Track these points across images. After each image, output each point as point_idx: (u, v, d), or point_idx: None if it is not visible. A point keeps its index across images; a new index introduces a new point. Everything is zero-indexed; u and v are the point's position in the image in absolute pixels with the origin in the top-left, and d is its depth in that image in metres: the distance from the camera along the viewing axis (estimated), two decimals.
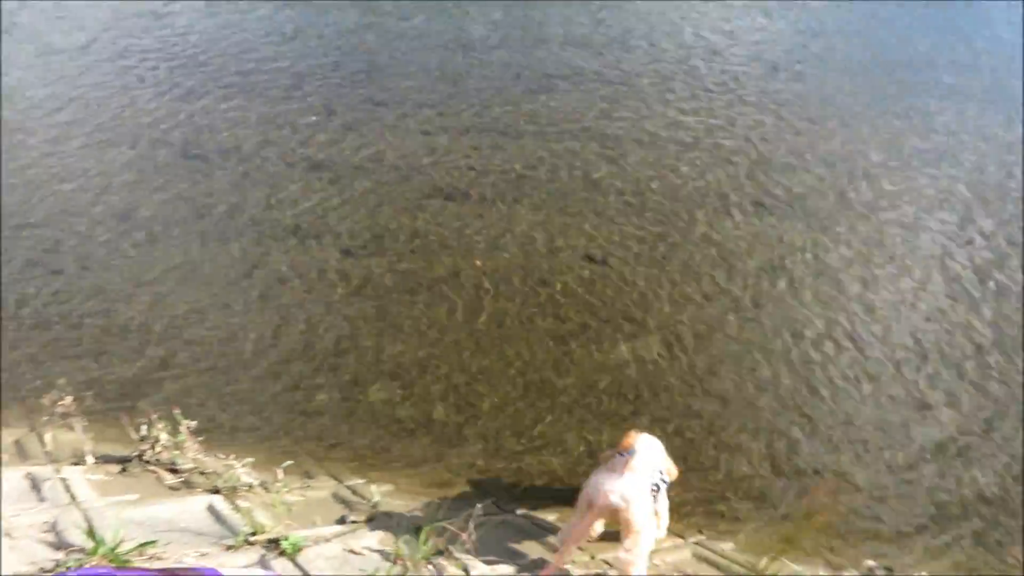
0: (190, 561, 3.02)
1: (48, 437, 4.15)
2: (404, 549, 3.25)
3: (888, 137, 7.32)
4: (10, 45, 9.04)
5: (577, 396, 4.81)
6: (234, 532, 3.33)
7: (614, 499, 3.25)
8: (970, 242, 5.95)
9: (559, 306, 5.46)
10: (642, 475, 3.35)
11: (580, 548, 3.58)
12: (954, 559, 3.80)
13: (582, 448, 4.48)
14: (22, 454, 4.10)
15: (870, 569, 3.64)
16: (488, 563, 3.41)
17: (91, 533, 3.08)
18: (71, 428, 4.07)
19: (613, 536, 3.52)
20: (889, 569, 3.69)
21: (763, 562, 3.25)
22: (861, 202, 6.43)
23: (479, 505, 3.49)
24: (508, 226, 6.22)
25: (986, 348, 5.03)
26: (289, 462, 4.08)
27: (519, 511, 4.05)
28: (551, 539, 3.66)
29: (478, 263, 5.85)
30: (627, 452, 3.35)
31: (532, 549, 3.61)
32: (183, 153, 7.16)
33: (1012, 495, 4.11)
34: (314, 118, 7.74)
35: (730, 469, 4.31)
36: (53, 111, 7.75)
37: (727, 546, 3.86)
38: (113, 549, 2.98)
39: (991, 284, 5.56)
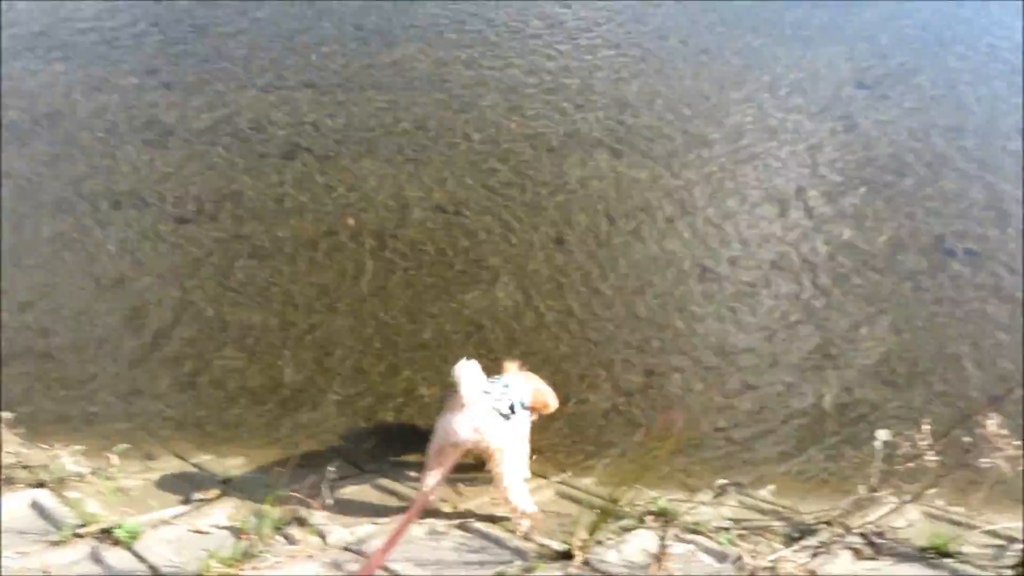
0: (6, 563, 2.73)
1: None
2: (251, 522, 3.07)
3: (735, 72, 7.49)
4: None
5: (434, 347, 4.71)
6: (59, 526, 3.05)
7: (464, 433, 3.24)
8: (815, 170, 6.21)
9: (411, 259, 5.31)
10: (484, 403, 3.34)
11: (443, 499, 3.54)
12: (799, 468, 4.00)
13: (441, 398, 4.40)
14: None
15: (721, 487, 3.77)
16: (346, 526, 3.29)
17: None
18: None
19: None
20: (739, 484, 3.84)
21: (622, 492, 3.29)
22: (709, 138, 6.58)
23: (331, 467, 3.34)
24: (356, 182, 5.98)
25: (838, 270, 5.27)
26: (125, 445, 3.78)
27: (377, 468, 3.94)
28: (412, 493, 3.58)
29: (350, 221, 5.60)
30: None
31: (393, 505, 3.51)
32: None
33: (852, 406, 4.35)
34: (142, 81, 7.14)
35: (589, 405, 4.34)
36: None
37: (588, 481, 3.91)
38: None
39: (842, 205, 5.82)
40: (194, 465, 3.88)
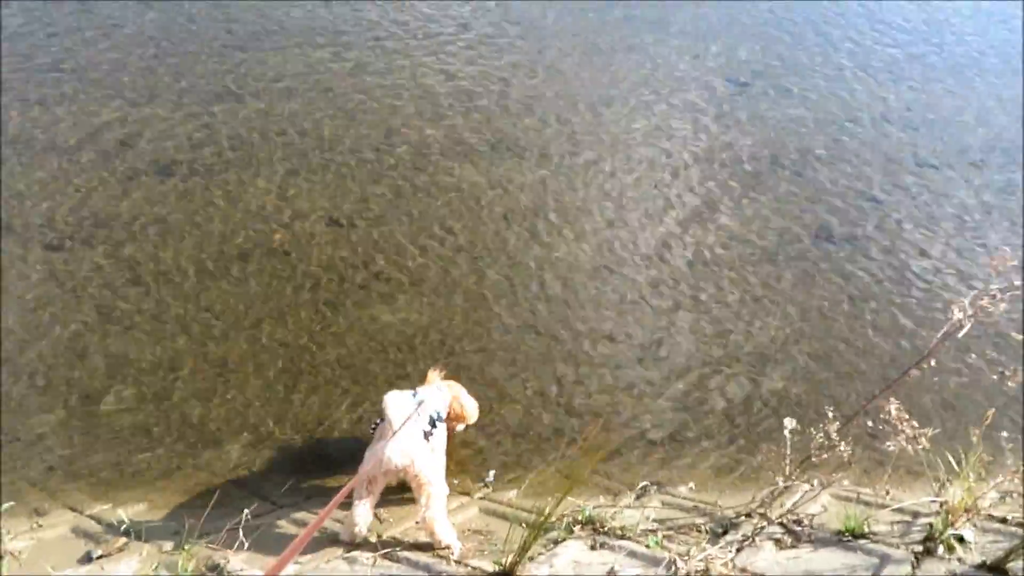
0: None
1: None
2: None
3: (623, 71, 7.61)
4: None
5: (340, 368, 4.56)
6: None
7: (396, 460, 3.20)
8: (700, 166, 6.39)
9: (307, 276, 5.11)
10: (411, 428, 3.29)
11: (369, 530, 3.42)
12: (716, 463, 4.10)
13: (354, 419, 4.26)
14: None
15: (643, 488, 3.82)
16: (266, 568, 3.11)
17: None
18: None
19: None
20: (659, 484, 3.89)
21: (547, 504, 3.26)
22: (592, 139, 6.65)
23: (247, 510, 3.16)
24: (239, 197, 5.71)
25: (729, 264, 5.44)
26: (9, 504, 3.45)
27: (292, 501, 3.77)
28: (336, 526, 3.44)
29: (277, 236, 5.34)
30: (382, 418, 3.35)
31: (319, 540, 3.35)
32: None
33: (761, 398, 4.50)
34: None
35: (506, 417, 4.31)
36: None
37: (511, 494, 3.87)
38: None
39: (728, 199, 6.00)
40: (91, 517, 3.59)
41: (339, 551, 3.29)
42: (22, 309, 4.74)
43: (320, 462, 4.05)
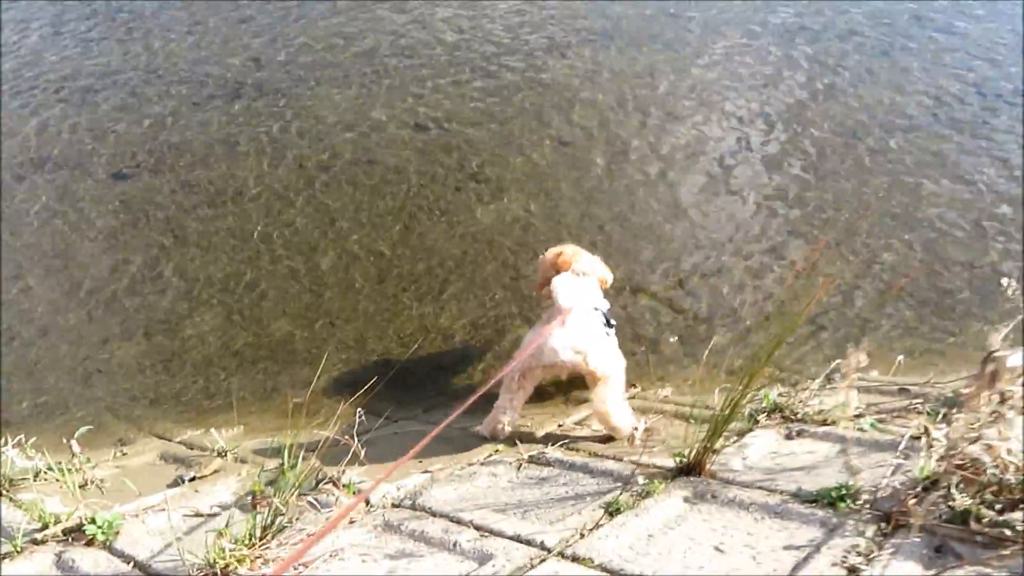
0: None
1: None
2: (266, 488, 2.32)
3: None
4: None
5: (441, 273, 3.97)
6: (10, 535, 2.26)
7: (564, 355, 2.68)
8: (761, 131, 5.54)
9: (396, 183, 4.53)
10: (585, 317, 2.77)
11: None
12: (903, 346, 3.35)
13: (463, 328, 3.67)
14: None
15: (832, 371, 3.09)
16: (389, 481, 2.53)
17: None
18: None
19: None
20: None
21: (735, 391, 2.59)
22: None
23: (357, 419, 2.58)
24: (319, 111, 5.16)
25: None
26: (87, 428, 2.98)
27: (404, 414, 3.22)
28: (476, 427, 2.89)
29: (359, 144, 4.78)
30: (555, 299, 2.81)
31: (440, 450, 2.76)
32: None
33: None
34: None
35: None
36: None
37: (665, 392, 3.23)
38: None
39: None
40: (181, 443, 3.10)
41: (477, 455, 2.71)
42: (98, 238, 4.31)
43: (428, 375, 3.49)
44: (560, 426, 2.95)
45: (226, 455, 2.87)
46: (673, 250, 3.95)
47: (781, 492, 2.16)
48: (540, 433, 2.88)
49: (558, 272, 3.03)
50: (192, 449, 3.03)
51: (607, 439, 2.76)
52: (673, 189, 4.32)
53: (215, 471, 2.76)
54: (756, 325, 3.49)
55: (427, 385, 3.46)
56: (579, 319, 2.73)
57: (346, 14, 6.21)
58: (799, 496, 2.13)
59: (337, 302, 3.87)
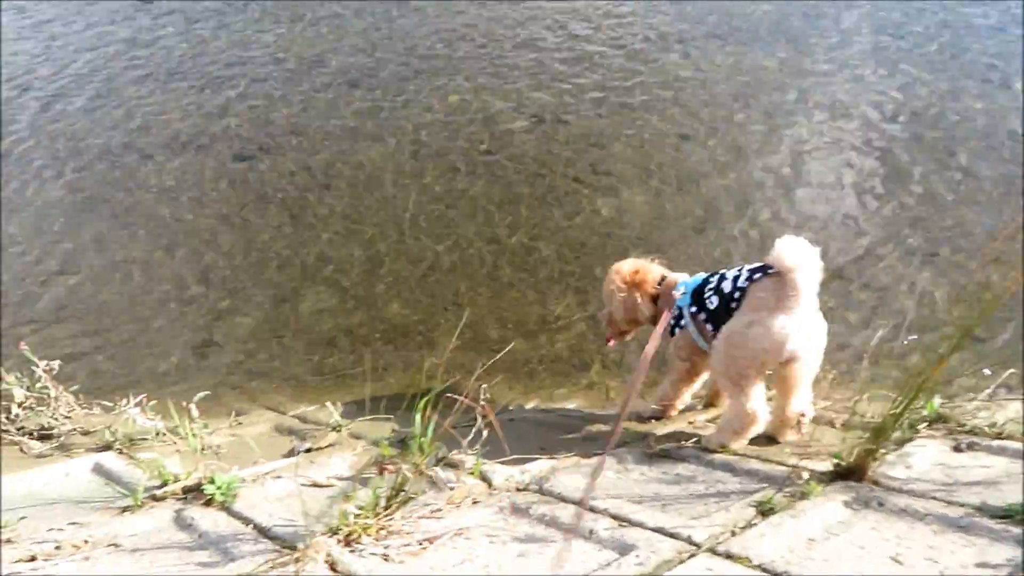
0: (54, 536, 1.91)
1: None
2: (395, 454, 2.21)
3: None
4: None
5: (561, 265, 3.82)
6: (131, 490, 2.21)
7: (795, 343, 2.20)
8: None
9: (513, 172, 4.43)
10: (812, 300, 2.22)
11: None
12: None
13: (583, 321, 3.50)
14: None
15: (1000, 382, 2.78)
16: (514, 462, 2.36)
17: None
18: None
19: None
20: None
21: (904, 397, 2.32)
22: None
23: (484, 388, 2.44)
24: (435, 102, 5.12)
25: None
26: (204, 392, 2.95)
27: (529, 406, 3.07)
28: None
29: (475, 135, 4.70)
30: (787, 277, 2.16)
31: (564, 445, 2.59)
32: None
33: None
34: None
35: None
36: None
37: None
38: None
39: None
40: (295, 417, 3.04)
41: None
42: (216, 218, 4.36)
43: (545, 366, 3.33)
44: (691, 423, 2.74)
45: (340, 430, 2.78)
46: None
47: (963, 505, 1.90)
48: (666, 430, 2.68)
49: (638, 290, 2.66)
50: (306, 423, 2.96)
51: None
52: (799, 185, 4.07)
53: (330, 444, 2.68)
54: (912, 324, 3.19)
55: (541, 374, 3.30)
56: (810, 306, 2.21)
57: (465, 10, 6.19)
58: (985, 511, 1.86)
59: (452, 288, 3.77)
